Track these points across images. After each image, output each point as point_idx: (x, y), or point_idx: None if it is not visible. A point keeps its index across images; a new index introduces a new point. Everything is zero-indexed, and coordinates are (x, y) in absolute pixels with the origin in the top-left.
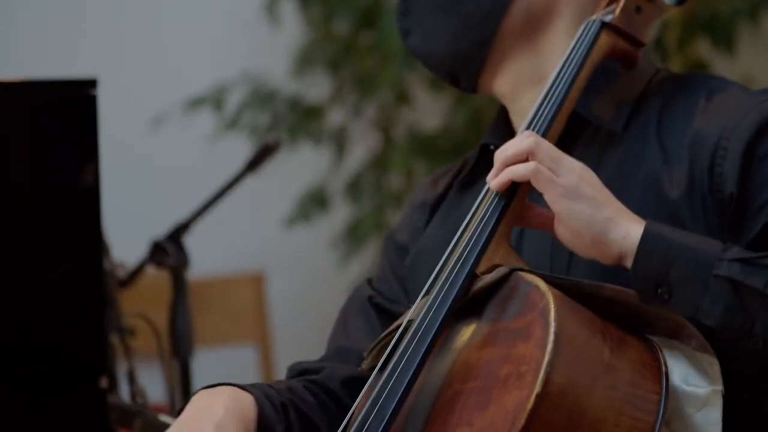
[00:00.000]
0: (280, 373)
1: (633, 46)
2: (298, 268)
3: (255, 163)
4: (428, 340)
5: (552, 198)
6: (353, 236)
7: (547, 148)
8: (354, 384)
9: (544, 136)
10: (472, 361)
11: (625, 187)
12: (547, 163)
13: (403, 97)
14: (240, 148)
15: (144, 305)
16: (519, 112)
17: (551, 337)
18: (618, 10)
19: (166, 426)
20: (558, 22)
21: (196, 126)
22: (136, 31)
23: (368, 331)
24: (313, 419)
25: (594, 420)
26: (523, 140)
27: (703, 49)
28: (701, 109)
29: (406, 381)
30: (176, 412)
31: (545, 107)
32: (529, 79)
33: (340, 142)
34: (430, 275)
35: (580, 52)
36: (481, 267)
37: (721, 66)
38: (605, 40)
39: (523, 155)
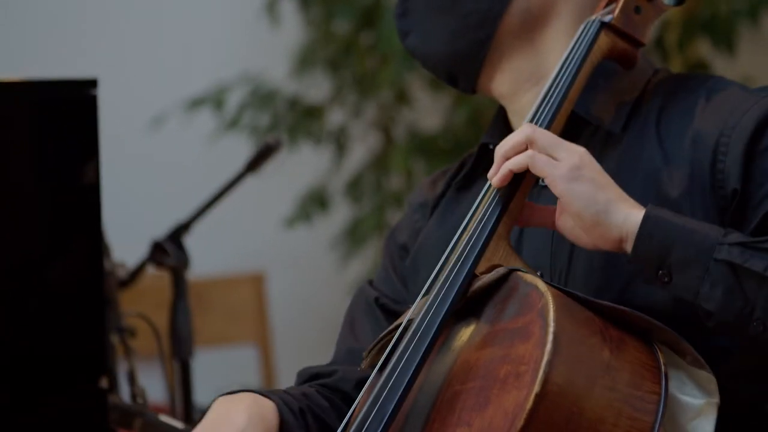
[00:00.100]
0: (280, 374)
1: (632, 46)
2: (298, 269)
3: (255, 163)
4: (428, 340)
5: (552, 181)
6: (353, 236)
7: (544, 134)
8: None
9: None
10: (472, 361)
11: (625, 187)
12: (545, 149)
13: (403, 97)
14: (240, 148)
15: (144, 305)
16: (518, 112)
17: (550, 337)
18: (617, 10)
19: (166, 426)
20: (557, 22)
21: (196, 126)
22: (136, 31)
23: (376, 332)
24: (329, 423)
25: (593, 420)
26: (520, 131)
27: (703, 49)
28: (701, 109)
29: (406, 380)
30: (176, 413)
31: (544, 107)
32: (528, 79)
33: (340, 142)
34: (430, 275)
35: (579, 52)
36: (481, 267)
37: (721, 66)
38: (604, 40)
39: (521, 146)
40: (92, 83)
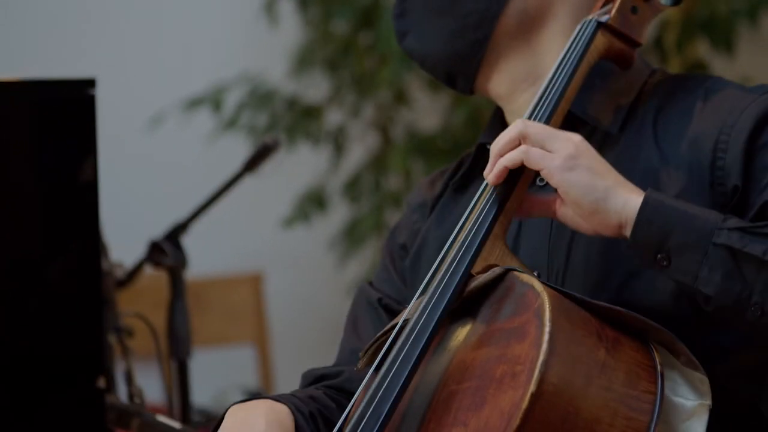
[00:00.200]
0: (278, 374)
1: (629, 47)
2: (296, 269)
3: (253, 163)
4: (424, 340)
5: (548, 173)
6: (352, 236)
7: (537, 127)
8: None
9: None
10: (468, 361)
11: None
12: (539, 142)
13: (401, 97)
14: (238, 148)
15: (142, 305)
16: (515, 112)
17: (546, 337)
18: (614, 11)
19: (164, 426)
20: (553, 22)
21: (195, 126)
22: (135, 31)
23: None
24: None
25: (589, 420)
26: (513, 127)
27: (702, 49)
28: (699, 110)
29: (402, 380)
30: (174, 413)
31: (541, 107)
32: (525, 80)
33: (338, 142)
34: (427, 275)
35: (576, 52)
36: (477, 267)
37: (720, 66)
38: (601, 40)
39: (514, 142)
40: (90, 83)
